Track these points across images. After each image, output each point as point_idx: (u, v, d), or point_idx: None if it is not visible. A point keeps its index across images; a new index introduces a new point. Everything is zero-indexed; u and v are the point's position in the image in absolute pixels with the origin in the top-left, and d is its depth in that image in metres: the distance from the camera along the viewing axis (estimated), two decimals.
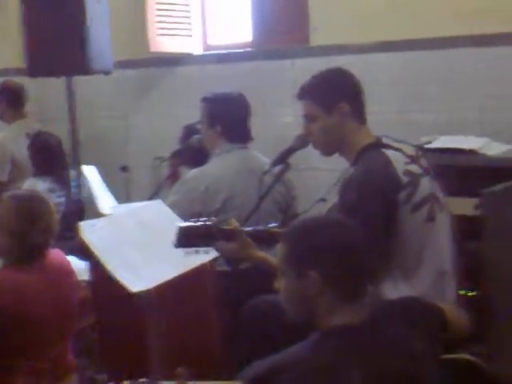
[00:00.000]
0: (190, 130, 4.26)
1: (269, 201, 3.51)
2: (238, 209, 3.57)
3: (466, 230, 3.06)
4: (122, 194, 4.50)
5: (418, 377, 2.05)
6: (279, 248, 2.22)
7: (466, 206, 3.44)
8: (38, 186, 5.03)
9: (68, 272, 3.19)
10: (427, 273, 2.78)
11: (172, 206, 3.40)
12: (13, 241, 3.00)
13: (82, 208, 4.57)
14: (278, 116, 4.99)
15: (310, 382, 1.97)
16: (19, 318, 2.92)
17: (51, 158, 5.05)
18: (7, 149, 5.50)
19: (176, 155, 4.21)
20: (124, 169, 4.60)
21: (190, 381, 2.14)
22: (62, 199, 5.04)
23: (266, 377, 2.02)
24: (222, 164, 3.80)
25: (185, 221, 2.93)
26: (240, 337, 3.19)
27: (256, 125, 4.02)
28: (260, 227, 2.97)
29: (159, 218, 3.07)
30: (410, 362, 2.06)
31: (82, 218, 4.27)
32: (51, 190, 5.05)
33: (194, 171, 3.84)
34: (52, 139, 5.15)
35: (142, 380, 2.07)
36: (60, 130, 5.03)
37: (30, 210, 3.03)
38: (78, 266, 3.52)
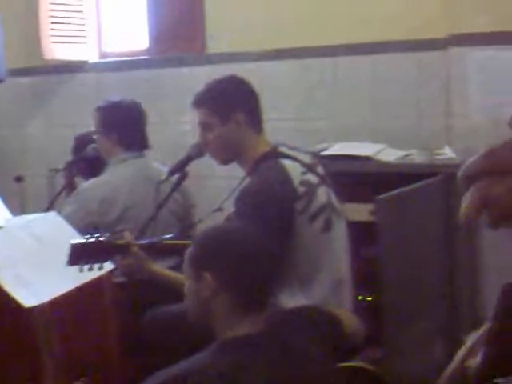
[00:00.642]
0: (81, 140, 4.18)
1: (166, 210, 3.49)
2: (136, 219, 3.52)
3: (362, 235, 3.10)
4: (17, 205, 4.38)
5: None
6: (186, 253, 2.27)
7: (362, 211, 3.49)
8: None
9: None
10: (324, 281, 2.80)
11: (68, 218, 3.33)
12: None
13: None
14: (176, 124, 4.97)
15: None
16: None
17: None
18: None
19: (71, 166, 4.13)
20: (18, 179, 4.48)
21: None
22: None
23: None
24: (119, 173, 3.75)
25: (81, 233, 2.88)
26: (140, 348, 3.16)
27: (153, 133, 3.98)
28: (155, 239, 2.95)
29: (54, 231, 3.01)
30: (308, 372, 2.07)
31: None
32: None
33: (90, 182, 3.77)
34: None
35: None
36: None
37: None
38: None
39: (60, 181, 4.18)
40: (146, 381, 2.08)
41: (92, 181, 3.77)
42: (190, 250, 2.25)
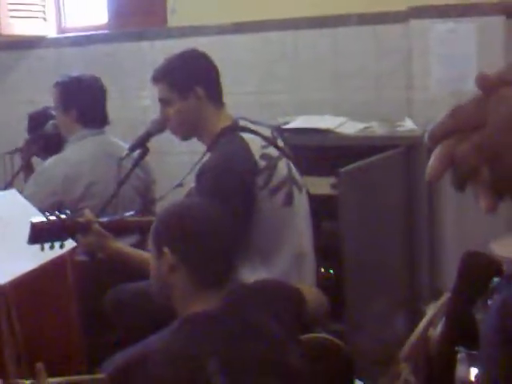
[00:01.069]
0: (36, 118, 4.13)
1: (128, 187, 3.47)
2: (100, 196, 3.49)
3: (324, 209, 3.11)
4: None
5: (279, 361, 2.08)
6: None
7: (323, 185, 3.50)
8: None
9: None
10: (286, 255, 2.81)
11: (30, 199, 3.30)
12: None
13: None
14: (136, 99, 4.93)
15: (169, 370, 1.96)
16: None
17: None
18: None
19: (30, 144, 4.07)
20: None
21: (51, 377, 2.08)
22: None
23: (127, 368, 2.01)
24: (80, 150, 3.70)
25: (45, 212, 2.85)
26: (102, 327, 3.15)
27: (113, 109, 3.95)
28: (116, 216, 2.93)
29: (13, 209, 2.98)
30: (270, 347, 2.08)
31: None
32: None
33: (50, 161, 3.72)
34: None
35: None
36: None
37: None
38: None
39: (18, 160, 4.13)
40: (106, 363, 2.08)
41: (52, 159, 3.72)
42: (152, 226, 2.25)
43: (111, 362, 2.07)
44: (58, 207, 3.42)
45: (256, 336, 2.10)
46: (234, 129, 2.89)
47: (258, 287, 2.32)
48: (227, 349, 2.02)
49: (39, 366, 1.98)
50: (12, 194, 3.14)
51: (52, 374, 2.06)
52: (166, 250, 2.16)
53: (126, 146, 3.36)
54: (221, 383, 1.95)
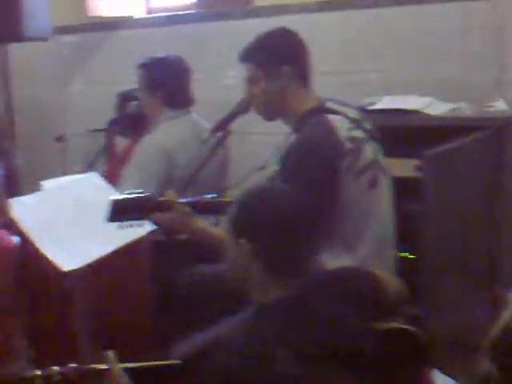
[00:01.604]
0: (124, 98, 4.14)
1: (210, 167, 3.44)
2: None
3: (406, 191, 3.02)
4: (57, 165, 4.39)
5: (352, 350, 2.02)
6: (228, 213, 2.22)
7: (406, 167, 3.40)
8: None
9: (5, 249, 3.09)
10: (369, 241, 2.74)
11: (130, 182, 3.37)
12: None
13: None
14: (222, 79, 4.90)
15: (240, 359, 1.93)
16: None
17: None
18: None
19: (113, 124, 4.09)
20: (60, 139, 4.47)
21: (124, 358, 2.08)
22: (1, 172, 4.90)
23: (199, 354, 1.99)
24: (171, 131, 3.70)
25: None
26: (176, 309, 3.14)
27: (198, 89, 3.92)
28: (196, 197, 2.90)
29: (94, 192, 2.98)
30: (343, 335, 2.03)
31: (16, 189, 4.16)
32: None
33: (145, 143, 3.72)
34: None
35: (71, 365, 2.00)
36: None
37: None
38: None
39: (101, 140, 4.16)
40: (177, 347, 2.06)
41: (146, 141, 3.71)
42: (230, 212, 2.20)
43: (183, 347, 2.05)
44: (164, 183, 3.48)
45: (330, 324, 2.05)
46: (321, 110, 2.82)
47: (338, 275, 2.26)
48: (299, 337, 1.97)
49: (108, 353, 1.97)
50: (92, 176, 3.15)
51: (124, 356, 2.06)
52: (243, 240, 2.11)
53: (210, 126, 3.34)
54: (291, 372, 1.90)
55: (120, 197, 2.70)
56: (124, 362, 2.03)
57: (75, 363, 2.03)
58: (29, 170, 5.03)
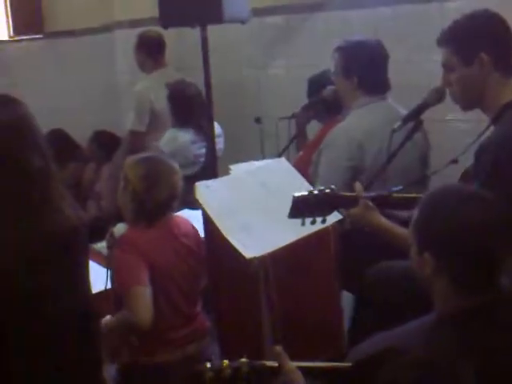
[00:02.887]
0: (315, 82, 4.05)
1: (402, 157, 3.28)
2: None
3: None
4: (256, 147, 4.38)
5: None
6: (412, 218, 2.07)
7: None
8: (179, 137, 4.98)
9: (194, 234, 3.13)
10: None
11: (328, 166, 3.36)
12: (137, 204, 2.95)
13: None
14: (423, 63, 4.70)
15: (417, 373, 1.79)
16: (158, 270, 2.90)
17: (191, 108, 4.97)
18: (146, 99, 5.47)
19: (306, 109, 4.02)
20: (258, 120, 4.46)
21: (302, 352, 2.01)
22: (203, 151, 4.97)
23: (374, 360, 1.88)
24: (366, 117, 3.58)
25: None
26: (362, 304, 3.04)
27: (398, 73, 3.76)
28: (382, 192, 2.76)
29: (282, 179, 2.93)
30: None
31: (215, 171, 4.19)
32: (193, 142, 5.00)
33: (339, 127, 3.63)
34: (191, 88, 5.07)
35: (243, 360, 1.95)
36: (195, 81, 4.95)
37: (155, 173, 2.96)
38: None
39: (293, 127, 4.10)
40: (355, 349, 1.96)
41: (340, 126, 3.62)
42: (414, 214, 2.03)
43: (359, 351, 1.94)
44: (354, 173, 3.37)
45: None
46: None
47: None
48: (487, 360, 1.81)
49: (278, 349, 1.90)
50: (281, 162, 3.09)
51: (305, 348, 1.98)
52: (426, 255, 1.95)
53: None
54: None
55: (301, 194, 2.63)
56: (304, 359, 1.95)
57: (257, 353, 1.98)
58: (227, 150, 5.09)
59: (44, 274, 2.12)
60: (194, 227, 3.14)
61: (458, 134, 4.02)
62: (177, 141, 4.96)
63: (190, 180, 4.87)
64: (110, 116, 6.45)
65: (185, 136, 4.96)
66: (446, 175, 2.79)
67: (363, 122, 3.56)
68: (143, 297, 2.82)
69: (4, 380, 2.11)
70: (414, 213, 2.04)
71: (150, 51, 5.61)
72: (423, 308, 2.07)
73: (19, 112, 2.22)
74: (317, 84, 4.05)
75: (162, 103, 5.23)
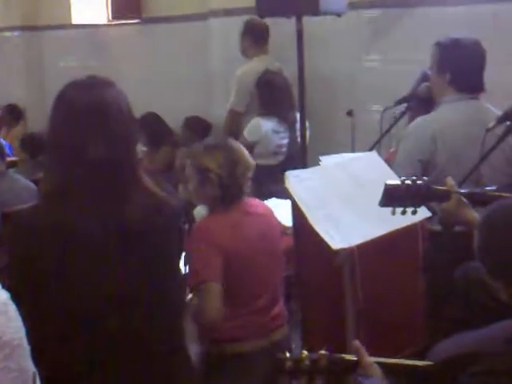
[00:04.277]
0: (424, 77, 4.01)
1: (497, 157, 3.24)
2: (464, 164, 3.30)
3: None
4: (347, 139, 4.37)
5: None
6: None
7: None
8: (262, 125, 5.04)
9: (272, 221, 3.11)
10: None
11: (400, 157, 3.32)
12: (222, 190, 2.97)
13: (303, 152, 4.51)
14: None
15: (502, 381, 1.77)
16: (237, 256, 2.88)
17: (278, 97, 5.01)
18: (247, 81, 5.54)
19: (401, 102, 3.99)
20: (350, 113, 4.45)
21: (383, 345, 2.01)
22: (285, 141, 5.00)
23: (455, 363, 1.86)
24: (451, 112, 3.54)
25: (409, 172, 2.72)
26: (448, 304, 3.00)
27: (492, 74, 3.70)
28: (477, 189, 2.73)
29: (371, 171, 2.92)
30: None
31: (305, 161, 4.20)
32: (275, 131, 5.04)
33: (420, 119, 3.62)
34: (280, 79, 5.11)
35: (322, 352, 1.95)
36: (288, 72, 4.97)
37: (231, 157, 2.97)
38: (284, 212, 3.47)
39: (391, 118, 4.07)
40: (435, 349, 1.94)
41: (420, 118, 3.62)
42: (475, 240, 2.00)
43: (440, 350, 1.92)
44: (424, 166, 3.34)
45: None
46: None
47: None
48: None
49: (356, 344, 1.90)
50: (372, 155, 3.09)
51: (386, 343, 1.98)
52: (499, 284, 1.93)
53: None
54: None
55: (394, 182, 2.62)
56: (385, 353, 1.95)
57: (339, 346, 1.98)
58: (316, 142, 5.10)
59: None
60: (267, 207, 3.14)
61: None
62: (260, 130, 5.02)
63: (274, 169, 4.91)
64: (202, 102, 6.53)
65: (267, 125, 5.01)
66: None
67: (444, 117, 3.53)
68: (214, 295, 2.81)
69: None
70: (475, 233, 2.01)
71: (256, 38, 5.69)
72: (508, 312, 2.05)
73: (104, 95, 2.20)
74: (424, 79, 4.01)
75: None
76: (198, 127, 6.21)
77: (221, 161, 2.95)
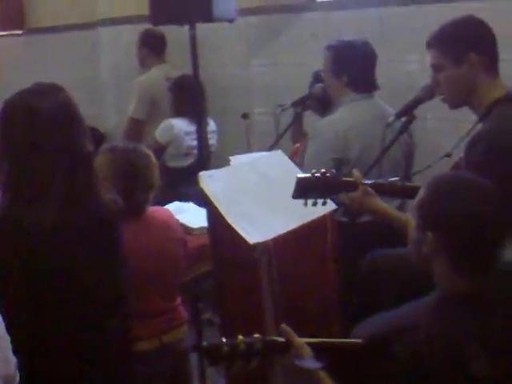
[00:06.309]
0: (316, 77, 4.17)
1: (394, 152, 3.43)
2: (370, 161, 3.46)
3: None
4: (243, 142, 4.49)
5: None
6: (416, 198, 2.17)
7: None
8: (174, 126, 5.13)
9: (172, 228, 3.20)
10: None
11: (312, 157, 3.50)
12: None
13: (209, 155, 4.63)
14: (402, 64, 4.84)
15: (427, 349, 1.90)
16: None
17: (190, 100, 5.10)
18: (147, 90, 5.63)
19: (298, 103, 4.14)
20: (245, 116, 4.58)
21: (303, 333, 2.11)
22: (195, 143, 5.11)
23: (384, 338, 1.98)
24: (352, 113, 3.73)
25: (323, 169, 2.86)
26: (356, 290, 3.15)
27: (381, 73, 3.89)
28: (380, 180, 2.90)
29: (279, 169, 3.03)
30: None
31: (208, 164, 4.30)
32: (186, 132, 5.13)
33: (324, 120, 3.78)
34: (191, 81, 5.20)
35: (256, 336, 2.05)
36: None
37: (130, 165, 3.01)
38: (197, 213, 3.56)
39: (285, 118, 4.21)
40: (359, 327, 2.06)
41: (324, 120, 3.78)
42: (417, 200, 2.15)
43: (365, 328, 2.04)
44: (338, 164, 3.50)
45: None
46: (509, 100, 2.74)
47: None
48: (487, 332, 1.92)
49: (284, 327, 2.01)
50: (278, 154, 3.20)
51: (304, 330, 2.09)
52: (428, 234, 2.06)
53: (393, 111, 3.31)
54: (481, 368, 1.86)
55: (305, 175, 2.74)
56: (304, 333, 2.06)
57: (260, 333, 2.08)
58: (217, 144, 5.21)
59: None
60: (171, 217, 3.22)
61: (445, 130, 4.17)
62: (172, 130, 5.13)
63: (185, 171, 4.99)
64: (93, 113, 6.50)
65: (179, 126, 5.10)
66: (433, 170, 2.91)
67: (349, 117, 3.70)
68: None
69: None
70: (421, 192, 2.16)
71: (153, 47, 5.77)
72: (415, 295, 2.19)
73: (66, 99, 2.40)
74: (317, 80, 4.16)
75: (162, 95, 5.45)
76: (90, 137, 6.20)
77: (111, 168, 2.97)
